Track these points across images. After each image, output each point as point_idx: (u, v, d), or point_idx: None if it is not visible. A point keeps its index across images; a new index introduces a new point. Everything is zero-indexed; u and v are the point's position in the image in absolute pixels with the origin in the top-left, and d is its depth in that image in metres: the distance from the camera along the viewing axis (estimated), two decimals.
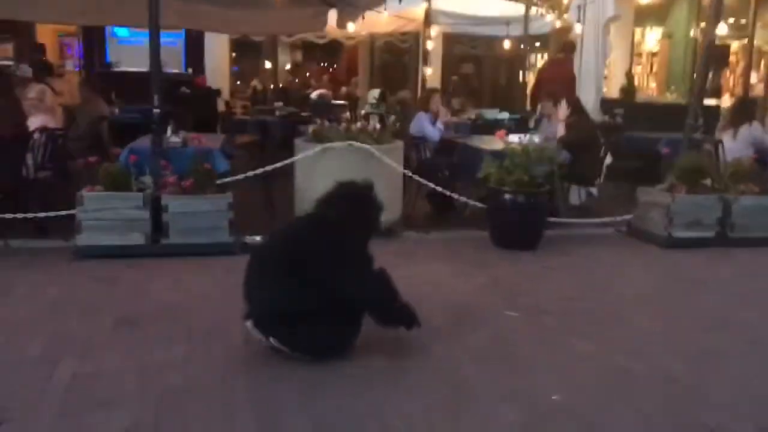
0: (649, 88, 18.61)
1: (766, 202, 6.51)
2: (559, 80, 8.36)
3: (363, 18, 9.96)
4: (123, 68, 14.81)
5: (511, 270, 5.54)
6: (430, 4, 11.32)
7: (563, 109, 7.17)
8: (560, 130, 7.18)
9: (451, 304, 4.60)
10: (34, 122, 6.29)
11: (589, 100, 7.80)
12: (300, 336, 3.54)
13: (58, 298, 4.56)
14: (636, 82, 19.23)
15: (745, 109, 7.38)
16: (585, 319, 4.45)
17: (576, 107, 7.14)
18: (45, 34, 14.60)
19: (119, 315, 4.22)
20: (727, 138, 7.27)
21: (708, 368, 3.72)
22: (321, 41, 16.52)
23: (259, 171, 6.45)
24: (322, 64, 20.60)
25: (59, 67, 14.84)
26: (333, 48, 17.25)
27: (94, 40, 15.18)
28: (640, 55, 19.20)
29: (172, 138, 6.18)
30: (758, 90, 16.15)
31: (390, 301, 3.65)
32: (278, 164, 6.39)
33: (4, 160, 5.86)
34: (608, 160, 8.08)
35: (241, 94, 16.86)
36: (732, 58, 16.92)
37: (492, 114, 11.23)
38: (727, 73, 18.00)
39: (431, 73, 16.44)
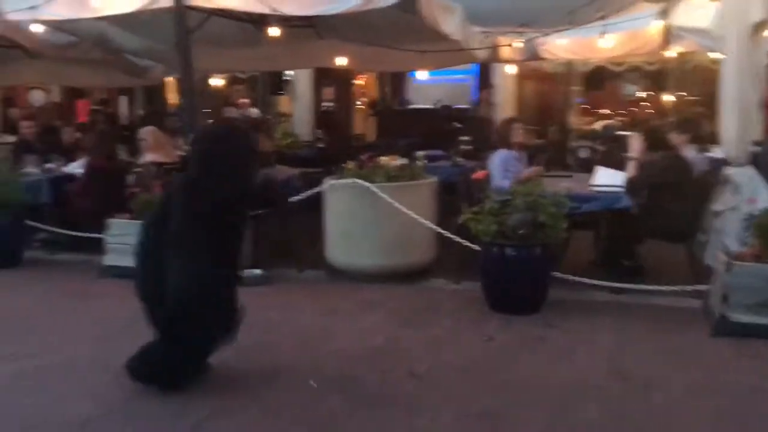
0: None
1: None
2: None
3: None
4: (415, 106, 15.98)
5: (446, 335, 4.72)
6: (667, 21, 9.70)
7: (636, 145, 5.62)
8: (630, 169, 5.65)
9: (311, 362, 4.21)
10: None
11: (728, 131, 5.86)
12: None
13: None
14: None
15: None
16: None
17: (654, 143, 5.54)
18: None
19: None
20: None
21: None
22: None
23: None
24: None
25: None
26: None
27: (398, 79, 16.53)
28: None
29: None
30: None
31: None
32: (291, 199, 6.33)
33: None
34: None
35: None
36: None
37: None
38: None
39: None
